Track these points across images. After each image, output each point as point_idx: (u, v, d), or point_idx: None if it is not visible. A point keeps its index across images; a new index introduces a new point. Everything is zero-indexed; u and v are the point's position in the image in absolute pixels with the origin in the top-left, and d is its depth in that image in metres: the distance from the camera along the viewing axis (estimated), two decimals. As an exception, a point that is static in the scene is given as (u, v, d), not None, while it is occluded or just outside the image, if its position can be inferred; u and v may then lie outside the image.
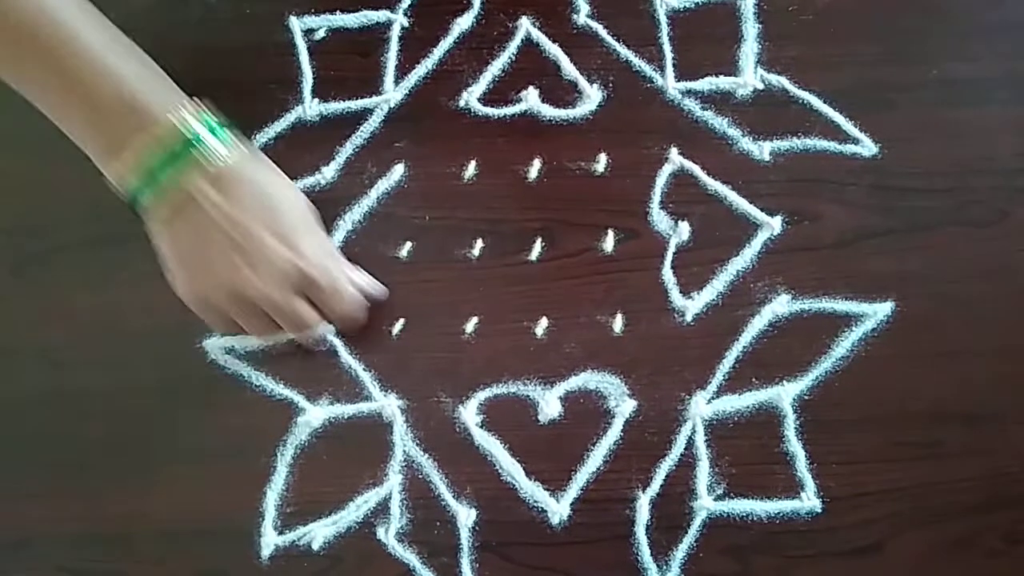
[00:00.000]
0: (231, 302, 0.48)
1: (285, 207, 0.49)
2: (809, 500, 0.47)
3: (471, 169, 0.54)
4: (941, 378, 0.49)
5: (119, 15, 0.56)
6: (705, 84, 0.55)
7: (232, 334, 0.51)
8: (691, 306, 0.51)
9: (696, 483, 0.48)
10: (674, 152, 0.54)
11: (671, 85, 0.55)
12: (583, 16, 0.57)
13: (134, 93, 0.46)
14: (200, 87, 0.56)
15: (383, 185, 0.54)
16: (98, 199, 0.54)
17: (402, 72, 0.56)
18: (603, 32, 0.57)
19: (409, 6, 0.58)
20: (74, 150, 0.55)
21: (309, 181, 0.54)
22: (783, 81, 0.55)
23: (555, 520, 0.47)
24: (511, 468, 0.48)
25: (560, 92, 0.55)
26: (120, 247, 0.54)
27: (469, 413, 0.49)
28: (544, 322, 0.51)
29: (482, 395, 0.50)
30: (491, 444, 0.49)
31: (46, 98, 0.47)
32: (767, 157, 0.54)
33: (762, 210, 0.52)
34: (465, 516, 0.47)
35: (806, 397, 0.49)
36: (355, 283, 0.50)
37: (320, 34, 0.58)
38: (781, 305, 0.50)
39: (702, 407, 0.49)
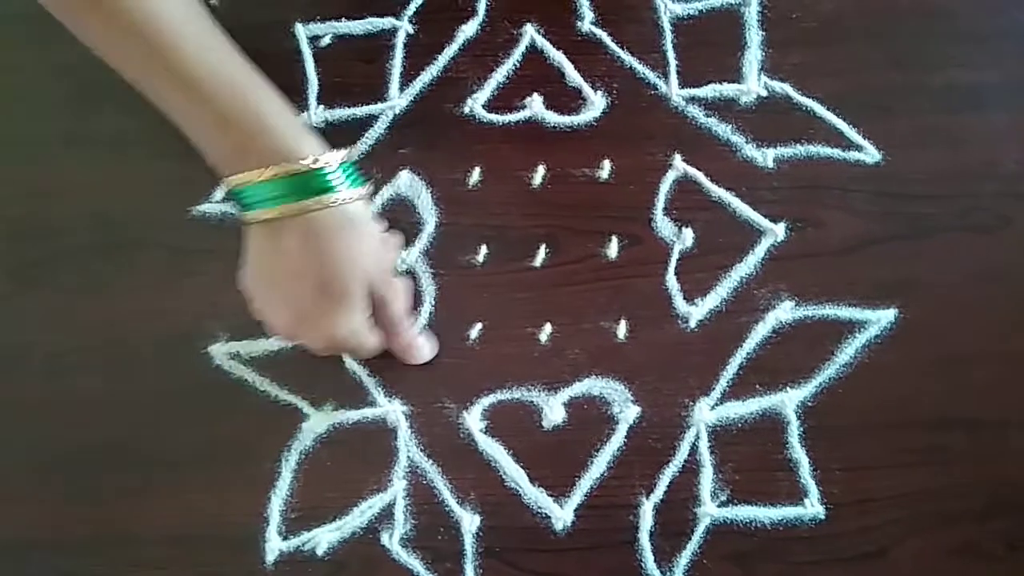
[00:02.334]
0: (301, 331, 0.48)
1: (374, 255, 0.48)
2: (812, 506, 0.47)
3: (476, 175, 0.54)
4: (944, 384, 0.49)
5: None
6: (709, 91, 0.55)
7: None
8: (695, 312, 0.51)
9: (700, 489, 0.48)
10: (678, 159, 0.54)
11: (675, 92, 0.55)
12: (587, 23, 0.57)
13: (266, 115, 0.45)
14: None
15: (388, 191, 0.54)
16: (102, 205, 0.55)
17: (407, 79, 0.56)
18: (607, 39, 0.57)
19: (414, 13, 0.58)
20: (76, 155, 0.56)
21: (314, 187, 0.54)
22: (786, 88, 0.55)
23: (559, 526, 0.47)
24: (515, 474, 0.48)
25: (564, 99, 0.56)
26: (123, 253, 0.54)
27: (473, 419, 0.49)
28: (548, 328, 0.51)
29: (486, 401, 0.50)
30: (495, 450, 0.49)
31: (168, 97, 0.45)
32: (770, 164, 0.54)
33: (765, 217, 0.53)
34: (469, 522, 0.48)
35: (809, 404, 0.49)
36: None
37: (325, 41, 0.58)
38: (784, 311, 0.51)
39: (706, 413, 0.49)
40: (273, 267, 0.47)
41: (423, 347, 0.51)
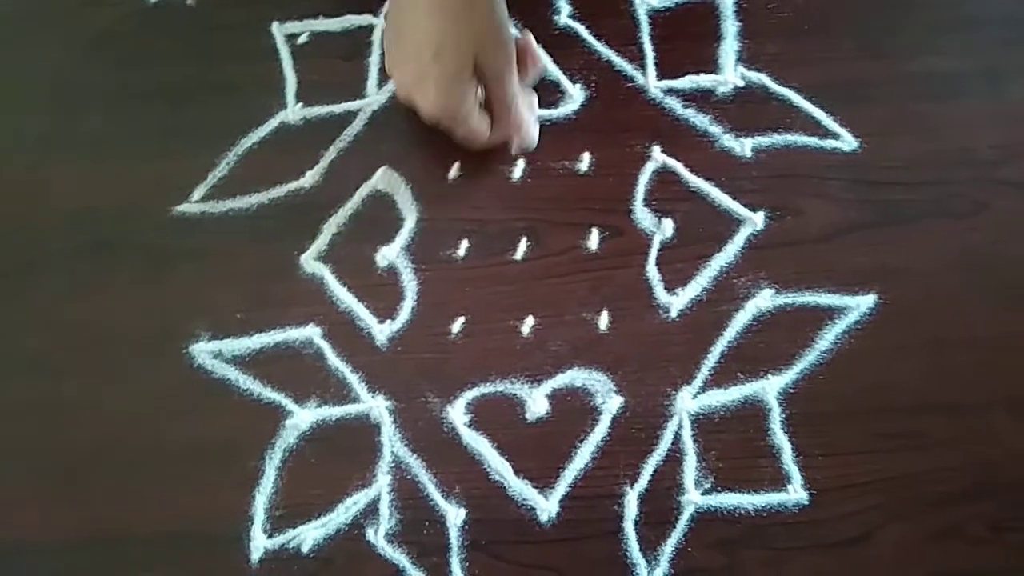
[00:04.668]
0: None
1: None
2: (796, 492, 0.47)
3: (455, 170, 0.55)
4: (924, 369, 0.50)
5: (105, 20, 0.57)
6: (686, 82, 0.56)
7: None
8: (675, 302, 0.51)
9: (683, 478, 0.48)
10: (656, 150, 0.54)
11: (653, 84, 0.56)
12: (564, 16, 0.58)
13: None
14: (185, 92, 0.57)
15: (367, 188, 0.54)
16: (86, 205, 0.55)
17: (385, 75, 0.56)
18: (585, 32, 0.57)
19: (391, 9, 0.58)
20: (57, 156, 0.56)
21: (293, 185, 0.54)
22: (763, 78, 0.56)
23: (544, 518, 0.48)
24: (499, 467, 0.48)
25: (543, 92, 0.56)
26: (107, 253, 0.54)
27: (457, 413, 0.49)
28: (530, 321, 0.51)
29: (469, 395, 0.50)
30: (479, 443, 0.49)
31: None
32: (749, 153, 0.54)
33: (744, 206, 0.53)
34: (454, 515, 0.48)
35: (791, 390, 0.49)
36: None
37: (302, 39, 0.58)
38: (765, 299, 0.51)
39: (688, 402, 0.49)
40: (401, 23, 0.49)
41: (531, 129, 0.53)
